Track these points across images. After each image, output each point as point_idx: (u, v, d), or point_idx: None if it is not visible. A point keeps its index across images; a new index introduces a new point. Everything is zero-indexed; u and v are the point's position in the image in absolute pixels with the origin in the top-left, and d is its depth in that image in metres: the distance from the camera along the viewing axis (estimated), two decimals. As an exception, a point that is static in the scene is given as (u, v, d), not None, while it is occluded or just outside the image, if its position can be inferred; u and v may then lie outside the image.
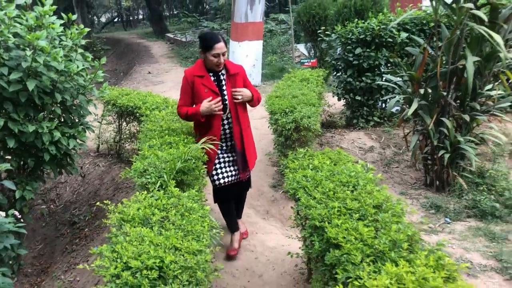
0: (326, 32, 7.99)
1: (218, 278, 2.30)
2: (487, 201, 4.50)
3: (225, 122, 3.57)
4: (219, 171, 3.67)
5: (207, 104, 3.36)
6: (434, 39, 4.64)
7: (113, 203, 2.47)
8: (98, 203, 2.63)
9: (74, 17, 3.97)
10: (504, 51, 4.03)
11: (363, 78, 6.35)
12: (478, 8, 4.34)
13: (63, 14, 3.93)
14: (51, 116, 4.04)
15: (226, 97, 3.52)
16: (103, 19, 38.53)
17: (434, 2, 4.51)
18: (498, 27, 4.31)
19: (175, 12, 33.75)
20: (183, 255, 1.90)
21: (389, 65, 6.36)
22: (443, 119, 4.58)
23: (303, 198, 2.45)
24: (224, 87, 3.52)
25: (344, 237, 1.97)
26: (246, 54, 10.02)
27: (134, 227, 2.15)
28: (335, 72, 6.98)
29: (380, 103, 6.68)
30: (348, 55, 6.38)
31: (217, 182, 3.67)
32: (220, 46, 3.37)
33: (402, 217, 2.12)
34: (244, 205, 4.24)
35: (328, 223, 2.12)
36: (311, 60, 8.39)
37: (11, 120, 3.64)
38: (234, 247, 3.86)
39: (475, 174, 4.94)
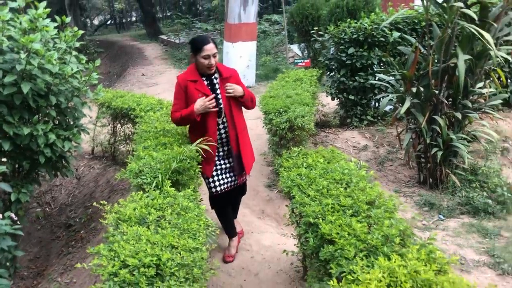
0: (319, 32, 8.04)
1: (214, 275, 2.33)
2: (479, 197, 4.56)
3: (221, 126, 3.54)
4: (215, 178, 3.62)
5: (201, 101, 3.32)
6: (426, 38, 4.69)
7: (109, 204, 2.50)
8: (95, 203, 2.66)
9: (67, 19, 3.99)
10: (494, 49, 4.08)
11: (356, 78, 6.39)
12: (468, 7, 4.39)
13: (56, 17, 3.95)
14: (46, 118, 4.05)
15: (220, 101, 3.49)
16: (96, 22, 38.38)
17: (425, 1, 4.56)
18: (488, 26, 4.36)
19: (168, 14, 33.70)
20: (179, 253, 1.93)
21: (381, 64, 6.41)
22: (436, 117, 4.63)
23: (298, 196, 2.49)
24: (218, 91, 3.50)
25: (338, 233, 2.00)
26: (240, 55, 10.05)
27: (131, 226, 2.17)
28: (328, 72, 7.02)
29: (373, 102, 6.73)
30: (341, 55, 6.42)
31: (213, 190, 3.64)
32: (209, 48, 3.34)
33: (395, 212, 2.16)
34: (240, 205, 4.26)
35: (322, 219, 2.16)
36: (305, 60, 8.43)
37: (6, 123, 3.65)
38: (231, 253, 3.86)
39: (468, 171, 5.00)
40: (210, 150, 3.34)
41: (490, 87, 4.91)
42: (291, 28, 12.03)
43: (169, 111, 4.26)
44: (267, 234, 4.26)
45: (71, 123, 4.34)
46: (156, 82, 12.52)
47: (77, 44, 4.13)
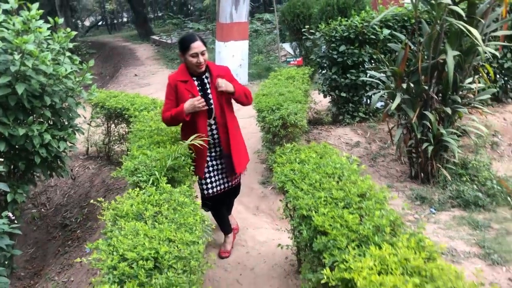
0: (311, 31, 8.09)
1: (211, 270, 2.38)
2: (470, 191, 4.64)
3: (213, 127, 3.49)
4: (208, 180, 3.60)
5: (191, 101, 3.26)
6: (415, 35, 4.76)
7: (106, 202, 2.54)
8: (92, 201, 2.70)
9: (60, 20, 4.02)
10: (482, 45, 4.16)
11: (348, 75, 6.46)
12: (456, 3, 4.46)
13: (49, 18, 3.97)
14: (41, 119, 4.08)
15: (211, 101, 3.44)
16: (87, 23, 38.20)
17: (414, -1, 4.63)
18: (476, 22, 4.43)
19: (160, 14, 33.63)
20: (177, 246, 1.98)
21: (372, 61, 6.48)
22: (426, 112, 4.70)
23: (291, 190, 2.55)
24: (209, 91, 3.45)
25: (330, 225, 2.06)
26: (232, 54, 10.09)
27: (128, 222, 2.22)
28: (320, 70, 7.08)
29: (365, 99, 6.79)
30: (333, 52, 6.48)
31: (205, 192, 3.62)
32: (196, 45, 3.28)
33: (385, 204, 2.23)
34: (234, 203, 4.29)
35: (315, 212, 2.22)
36: (297, 59, 8.47)
37: (1, 124, 3.68)
38: (226, 249, 3.90)
39: (458, 165, 5.08)
40: (205, 145, 3.30)
41: (479, 82, 4.98)
42: (282, 26, 12.07)
43: (162, 111, 4.27)
44: (262, 230, 4.32)
45: (66, 123, 4.37)
46: (149, 82, 12.54)
47: (70, 45, 4.16)
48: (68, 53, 4.15)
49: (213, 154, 3.60)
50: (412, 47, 4.81)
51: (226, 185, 3.71)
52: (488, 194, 4.61)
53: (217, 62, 9.67)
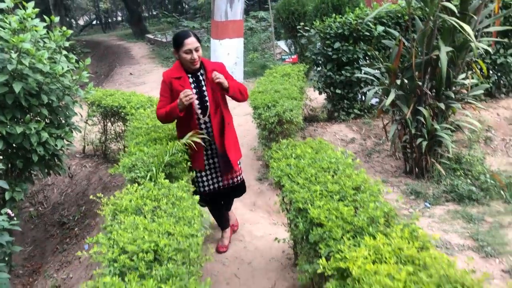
0: (306, 28, 8.14)
1: (209, 263, 2.42)
2: (464, 185, 4.70)
3: (208, 125, 3.47)
4: (204, 178, 3.60)
5: (181, 95, 3.18)
6: (409, 31, 4.81)
7: (105, 197, 2.57)
8: (91, 196, 2.73)
9: (56, 19, 4.04)
10: (475, 41, 4.21)
11: (343, 72, 6.50)
12: (449, 0, 4.51)
13: (45, 17, 3.99)
14: (38, 117, 4.10)
15: (206, 98, 3.41)
16: (81, 22, 38.11)
17: (407, -5, 4.68)
18: (468, 18, 4.48)
19: (154, 13, 33.60)
20: (176, 239, 2.02)
21: (367, 58, 6.53)
22: (420, 108, 4.75)
23: (287, 184, 2.59)
24: (204, 87, 3.41)
25: (326, 217, 2.10)
26: (227, 52, 10.12)
27: (128, 216, 2.25)
28: (315, 67, 7.12)
29: (359, 95, 6.84)
30: (327, 49, 6.52)
31: (201, 189, 3.61)
32: (190, 41, 3.24)
33: (379, 196, 2.27)
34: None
35: (311, 205, 2.26)
36: (292, 56, 8.51)
37: (-2, 122, 3.70)
38: (224, 244, 3.93)
39: (452, 160, 5.14)
40: (201, 142, 3.31)
41: (473, 78, 5.04)
42: (277, 24, 12.12)
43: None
44: (259, 225, 4.36)
45: (63, 121, 4.39)
46: (144, 81, 12.55)
47: (67, 44, 4.19)
48: (64, 52, 4.17)
49: (209, 152, 3.57)
50: (405, 44, 4.86)
51: (221, 183, 3.65)
52: (481, 188, 4.67)
53: (212, 60, 9.69)
